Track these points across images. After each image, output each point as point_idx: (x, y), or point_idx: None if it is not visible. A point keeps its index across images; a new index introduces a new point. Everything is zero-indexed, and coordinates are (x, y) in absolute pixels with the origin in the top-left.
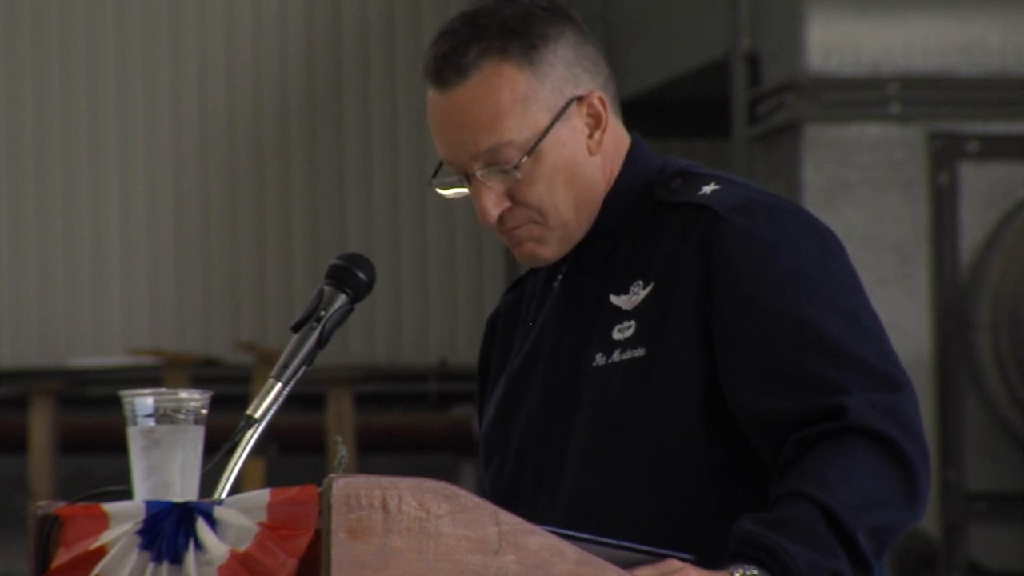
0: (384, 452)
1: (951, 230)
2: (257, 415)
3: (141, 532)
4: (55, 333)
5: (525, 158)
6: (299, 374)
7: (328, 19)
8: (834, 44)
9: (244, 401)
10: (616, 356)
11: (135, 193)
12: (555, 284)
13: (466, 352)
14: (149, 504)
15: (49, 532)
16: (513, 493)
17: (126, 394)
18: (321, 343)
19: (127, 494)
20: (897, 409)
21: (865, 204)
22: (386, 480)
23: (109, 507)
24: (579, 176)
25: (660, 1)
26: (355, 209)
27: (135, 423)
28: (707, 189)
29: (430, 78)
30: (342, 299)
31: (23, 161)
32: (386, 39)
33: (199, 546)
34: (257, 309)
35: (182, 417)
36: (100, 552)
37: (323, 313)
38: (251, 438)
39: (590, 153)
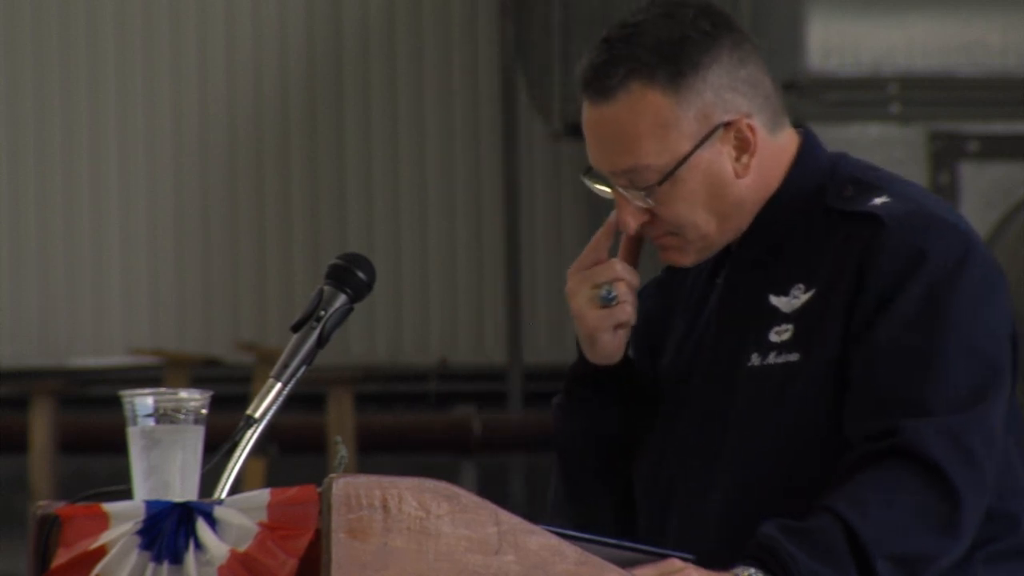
0: (384, 452)
1: None
2: (257, 415)
3: (141, 532)
4: (55, 333)
5: (662, 182)
6: (299, 374)
7: (328, 19)
8: (834, 44)
9: (244, 401)
10: (771, 359)
11: (135, 193)
12: (719, 280)
13: (466, 352)
14: (149, 504)
15: (49, 532)
16: (668, 491)
17: (126, 394)
18: (321, 343)
19: (127, 494)
20: (963, 434)
21: None
22: (386, 480)
23: (109, 507)
24: (722, 197)
25: None
26: (355, 209)
27: (135, 423)
28: (878, 201)
29: (580, 86)
30: (342, 299)
31: (23, 161)
32: (386, 39)
33: (199, 546)
34: (257, 309)
35: (182, 417)
36: (100, 552)
37: (323, 313)
38: (251, 438)
39: (736, 176)
